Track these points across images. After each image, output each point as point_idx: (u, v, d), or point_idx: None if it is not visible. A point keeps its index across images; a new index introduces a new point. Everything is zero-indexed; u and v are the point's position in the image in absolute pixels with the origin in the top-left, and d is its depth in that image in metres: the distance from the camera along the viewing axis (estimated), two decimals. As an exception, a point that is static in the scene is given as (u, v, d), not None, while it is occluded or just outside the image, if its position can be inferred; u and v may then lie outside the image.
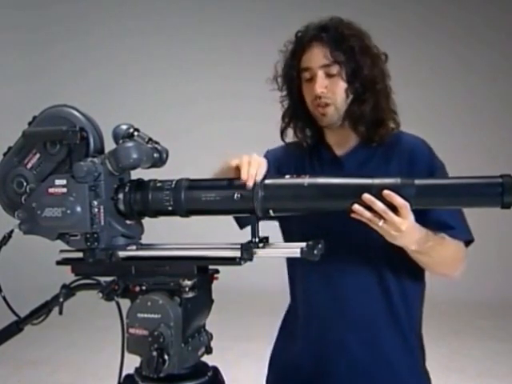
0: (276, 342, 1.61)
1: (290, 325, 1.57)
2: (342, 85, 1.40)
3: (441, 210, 1.34)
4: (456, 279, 1.46)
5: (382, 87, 1.41)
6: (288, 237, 1.50)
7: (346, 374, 1.43)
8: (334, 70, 1.39)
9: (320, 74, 1.39)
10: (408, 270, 1.44)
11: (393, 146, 1.45)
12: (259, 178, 1.16)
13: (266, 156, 1.52)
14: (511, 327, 4.77)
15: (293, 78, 1.45)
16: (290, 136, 1.54)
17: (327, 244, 1.16)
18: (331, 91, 1.39)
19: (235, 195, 1.16)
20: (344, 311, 1.43)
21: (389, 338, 1.44)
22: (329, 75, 1.39)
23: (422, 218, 1.22)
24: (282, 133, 1.54)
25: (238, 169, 1.19)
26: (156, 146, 1.23)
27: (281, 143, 1.57)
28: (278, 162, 1.52)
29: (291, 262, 1.52)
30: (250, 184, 1.15)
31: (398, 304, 1.44)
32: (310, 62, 1.41)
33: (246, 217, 1.21)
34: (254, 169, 1.16)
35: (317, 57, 1.39)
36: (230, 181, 1.20)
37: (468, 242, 1.41)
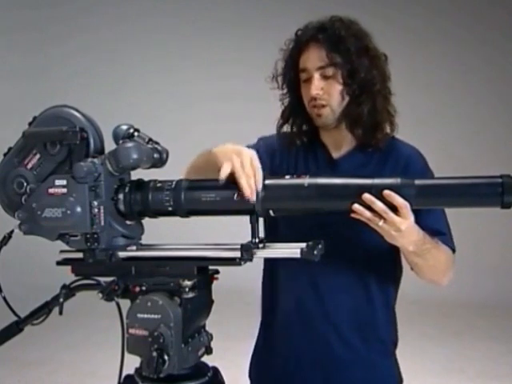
0: (257, 339, 1.62)
1: (267, 322, 1.58)
2: (337, 87, 1.39)
3: (432, 217, 1.36)
4: (443, 286, 1.48)
5: (379, 89, 1.40)
6: (274, 237, 1.42)
7: (326, 371, 1.46)
8: (330, 71, 1.38)
9: (316, 75, 1.39)
10: (388, 271, 1.48)
11: (388, 153, 1.45)
12: (260, 185, 1.15)
13: (258, 143, 1.54)
14: (511, 328, 4.77)
15: (291, 77, 1.46)
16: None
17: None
18: (327, 93, 1.39)
19: (235, 195, 1.15)
20: (325, 310, 1.45)
21: (369, 339, 1.46)
22: (325, 77, 1.39)
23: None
24: (280, 128, 1.54)
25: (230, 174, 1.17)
26: (156, 146, 1.22)
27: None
28: (272, 150, 1.52)
29: (273, 261, 1.50)
30: (254, 198, 1.13)
31: (379, 304, 1.47)
32: (306, 63, 1.41)
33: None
34: (252, 179, 1.14)
35: (313, 58, 1.40)
36: (230, 181, 1.20)
37: (453, 251, 1.43)
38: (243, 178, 1.14)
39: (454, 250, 1.43)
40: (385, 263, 1.46)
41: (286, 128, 1.54)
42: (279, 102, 1.53)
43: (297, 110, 1.48)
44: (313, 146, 1.51)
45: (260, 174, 1.16)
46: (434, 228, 1.35)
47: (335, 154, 1.49)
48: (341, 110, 1.41)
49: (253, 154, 1.20)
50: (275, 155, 1.52)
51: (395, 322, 1.53)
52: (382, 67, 1.42)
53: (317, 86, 1.39)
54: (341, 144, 1.48)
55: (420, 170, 1.43)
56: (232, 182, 1.16)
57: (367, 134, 1.43)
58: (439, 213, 1.41)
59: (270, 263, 1.54)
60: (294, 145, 1.50)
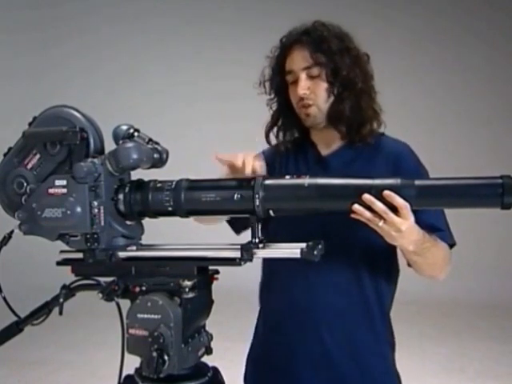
0: (253, 340, 1.62)
1: (263, 321, 1.58)
2: (323, 85, 1.43)
3: (430, 213, 1.36)
4: (441, 281, 1.48)
5: (362, 87, 1.43)
6: (272, 237, 1.38)
7: (320, 370, 1.45)
8: (315, 71, 1.42)
9: (302, 76, 1.43)
10: (384, 271, 1.48)
11: (377, 149, 1.47)
12: (259, 169, 1.19)
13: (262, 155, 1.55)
14: (511, 328, 4.77)
15: (279, 82, 1.49)
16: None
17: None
18: (313, 92, 1.42)
19: (235, 196, 1.15)
20: (319, 308, 1.45)
21: (363, 339, 1.46)
22: (311, 77, 1.42)
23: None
24: (268, 134, 1.56)
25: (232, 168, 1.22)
26: (156, 146, 1.23)
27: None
28: (267, 160, 1.52)
29: (271, 261, 1.49)
30: (248, 171, 1.18)
31: (373, 305, 1.47)
32: (292, 65, 1.44)
33: (240, 222, 1.21)
34: (250, 157, 1.21)
35: (298, 59, 1.43)
36: (230, 181, 1.20)
37: (451, 246, 1.43)
38: (240, 157, 1.22)
39: (452, 245, 1.43)
40: (383, 264, 1.46)
41: (273, 139, 1.56)
42: (267, 106, 1.56)
43: (286, 112, 1.51)
44: (303, 146, 1.53)
45: (261, 161, 1.22)
46: (432, 224, 1.35)
47: (324, 152, 1.51)
48: (327, 108, 1.43)
49: (258, 154, 1.26)
50: (271, 163, 1.52)
51: (390, 324, 1.53)
52: (364, 66, 1.45)
53: (303, 86, 1.42)
54: (330, 142, 1.50)
55: (413, 167, 1.44)
56: (234, 180, 1.18)
57: (352, 131, 1.45)
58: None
59: (267, 263, 1.54)
60: (284, 148, 1.53)
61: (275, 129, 1.56)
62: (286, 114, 1.52)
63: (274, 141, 1.58)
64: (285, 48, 1.47)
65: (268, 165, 1.48)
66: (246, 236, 1.17)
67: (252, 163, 1.23)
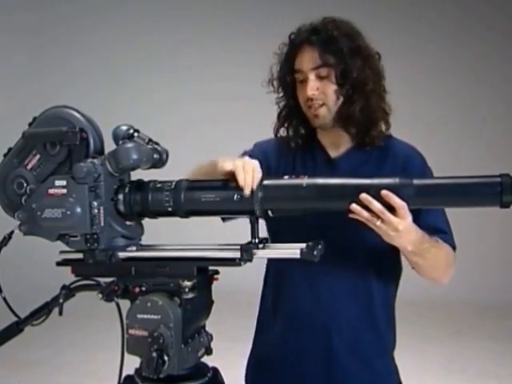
0: (254, 342, 1.61)
1: (267, 324, 1.57)
2: (332, 87, 1.41)
3: (433, 215, 1.36)
4: (444, 284, 1.48)
5: (373, 88, 1.42)
6: (276, 238, 1.40)
7: (326, 373, 1.45)
8: (325, 72, 1.40)
9: (311, 76, 1.41)
10: (390, 271, 1.48)
11: (387, 152, 1.46)
12: (256, 184, 1.16)
13: (254, 149, 1.55)
14: (511, 328, 4.77)
15: (287, 80, 1.47)
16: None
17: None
18: (322, 93, 1.41)
19: (235, 196, 1.16)
20: (327, 312, 1.44)
21: (368, 338, 1.46)
22: (320, 77, 1.41)
23: (414, 221, 1.22)
24: (277, 132, 1.55)
25: (230, 174, 1.19)
26: (156, 146, 1.23)
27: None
28: (267, 154, 1.52)
29: (274, 262, 1.51)
30: (247, 192, 1.15)
31: (379, 304, 1.47)
32: (301, 65, 1.43)
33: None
34: (250, 176, 1.16)
35: (307, 60, 1.41)
36: (230, 182, 1.20)
37: (453, 249, 1.43)
38: (241, 174, 1.16)
39: (454, 248, 1.43)
40: (385, 263, 1.46)
41: (283, 131, 1.54)
42: (276, 105, 1.54)
43: (293, 111, 1.50)
44: (310, 147, 1.51)
45: (258, 175, 1.18)
46: (434, 226, 1.36)
47: (333, 154, 1.49)
48: (336, 109, 1.42)
49: (257, 164, 1.22)
50: (270, 159, 1.52)
51: (394, 323, 1.53)
52: (375, 66, 1.44)
53: (312, 87, 1.41)
54: (339, 143, 1.49)
55: (419, 168, 1.44)
56: (232, 181, 1.17)
57: (361, 133, 1.44)
58: (439, 210, 1.41)
59: (271, 264, 1.54)
60: (290, 147, 1.51)
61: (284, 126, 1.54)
62: (293, 114, 1.50)
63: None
64: (294, 46, 1.45)
65: (268, 159, 1.48)
66: (246, 236, 1.17)
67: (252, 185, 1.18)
